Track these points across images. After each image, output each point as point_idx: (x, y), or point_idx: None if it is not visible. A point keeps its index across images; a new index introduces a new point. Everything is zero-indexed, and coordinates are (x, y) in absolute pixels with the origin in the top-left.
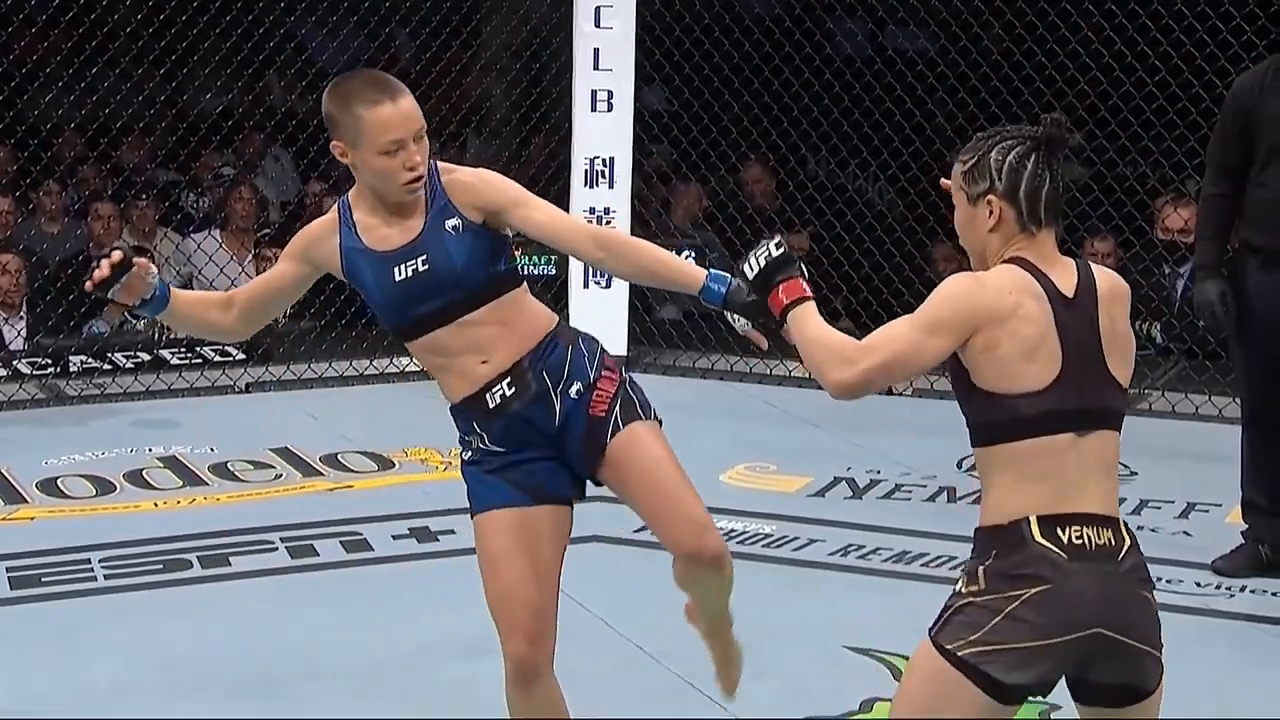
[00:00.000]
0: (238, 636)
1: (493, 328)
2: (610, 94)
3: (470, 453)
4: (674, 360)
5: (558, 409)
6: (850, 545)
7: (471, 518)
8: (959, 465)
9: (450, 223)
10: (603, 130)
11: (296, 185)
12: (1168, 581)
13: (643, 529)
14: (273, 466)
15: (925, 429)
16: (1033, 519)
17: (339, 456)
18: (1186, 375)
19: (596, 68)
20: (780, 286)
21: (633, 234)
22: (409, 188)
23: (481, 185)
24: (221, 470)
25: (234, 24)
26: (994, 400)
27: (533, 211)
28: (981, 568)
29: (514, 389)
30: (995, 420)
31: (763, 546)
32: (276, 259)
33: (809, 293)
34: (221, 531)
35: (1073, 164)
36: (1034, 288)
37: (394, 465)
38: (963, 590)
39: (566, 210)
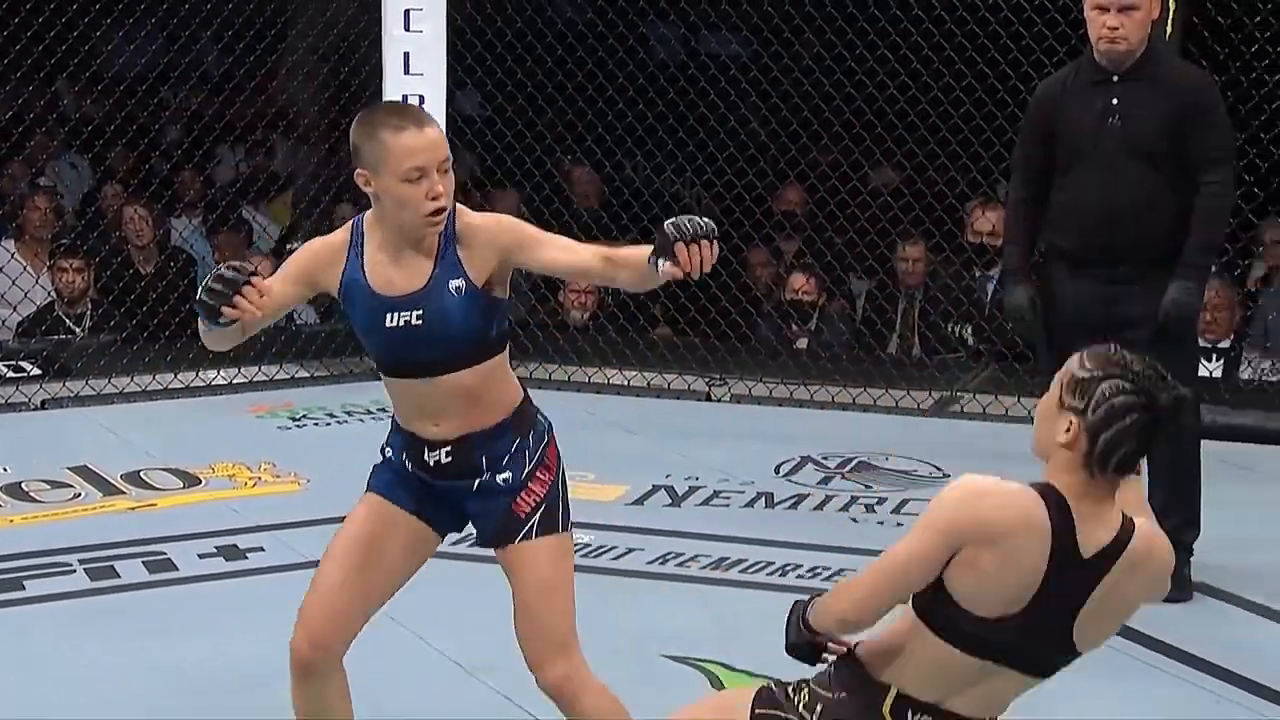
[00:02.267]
0: (30, 663)
1: (460, 398)
2: (421, 99)
3: (392, 453)
4: None
5: (479, 486)
6: (669, 553)
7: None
8: (776, 470)
9: (454, 283)
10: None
11: (89, 189)
12: None
13: (461, 541)
14: (70, 485)
15: (743, 435)
16: (894, 692)
17: (141, 474)
18: (997, 378)
19: (407, 72)
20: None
21: None
22: (430, 220)
23: (500, 230)
24: (15, 491)
25: (23, 27)
26: (945, 596)
27: (546, 250)
28: (825, 698)
29: (451, 459)
30: (936, 611)
31: (581, 556)
32: (73, 269)
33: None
34: (14, 555)
35: (884, 168)
36: (1041, 530)
37: (200, 482)
38: (797, 702)
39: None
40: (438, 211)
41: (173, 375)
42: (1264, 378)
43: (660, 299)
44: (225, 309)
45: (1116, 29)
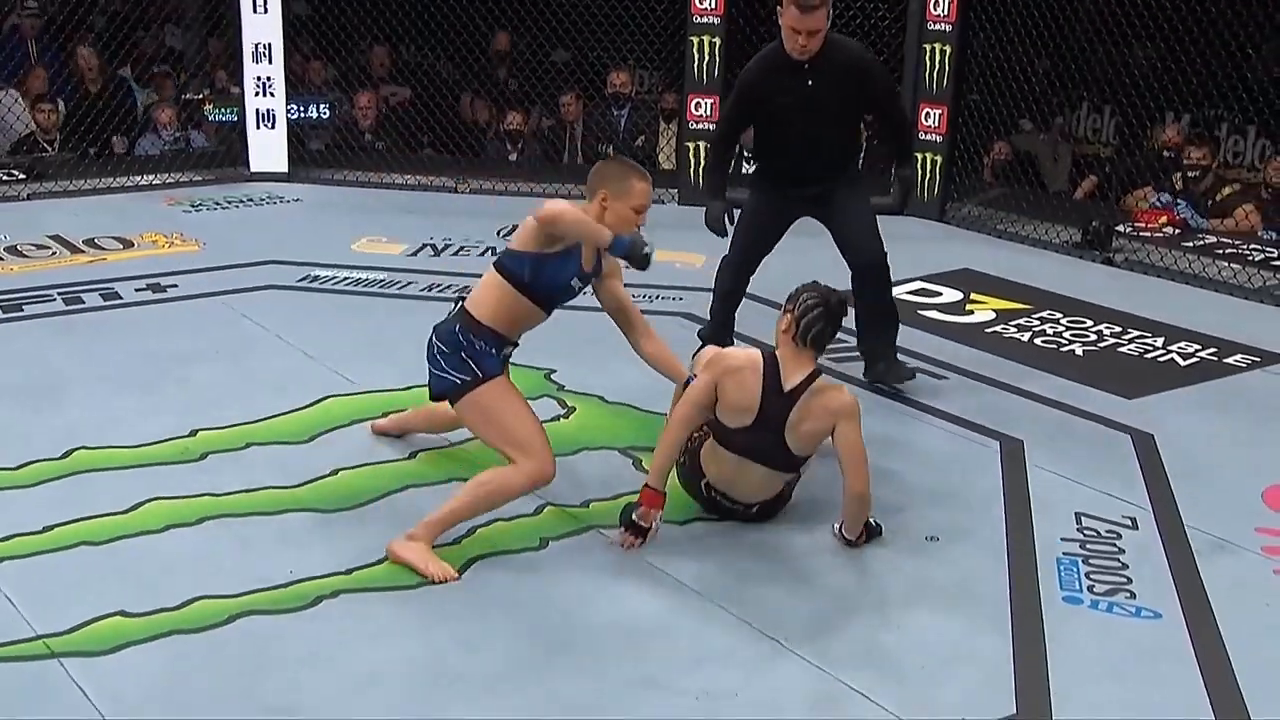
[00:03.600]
0: (24, 356)
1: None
2: (266, 2)
3: (484, 346)
4: (319, 175)
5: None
6: (433, 284)
7: (484, 380)
8: (498, 233)
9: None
10: (262, 24)
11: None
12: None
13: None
14: (49, 247)
15: (478, 214)
16: (705, 479)
17: (95, 240)
18: None
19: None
20: None
21: (289, 89)
22: (634, 234)
23: (616, 267)
24: (13, 250)
25: None
26: (715, 415)
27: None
28: (680, 461)
29: (510, 354)
30: (714, 424)
31: (379, 287)
32: (48, 110)
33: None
34: (13, 290)
35: (560, 49)
36: (759, 370)
37: (134, 245)
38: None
39: (241, 84)
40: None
41: (112, 179)
42: None
43: (425, 129)
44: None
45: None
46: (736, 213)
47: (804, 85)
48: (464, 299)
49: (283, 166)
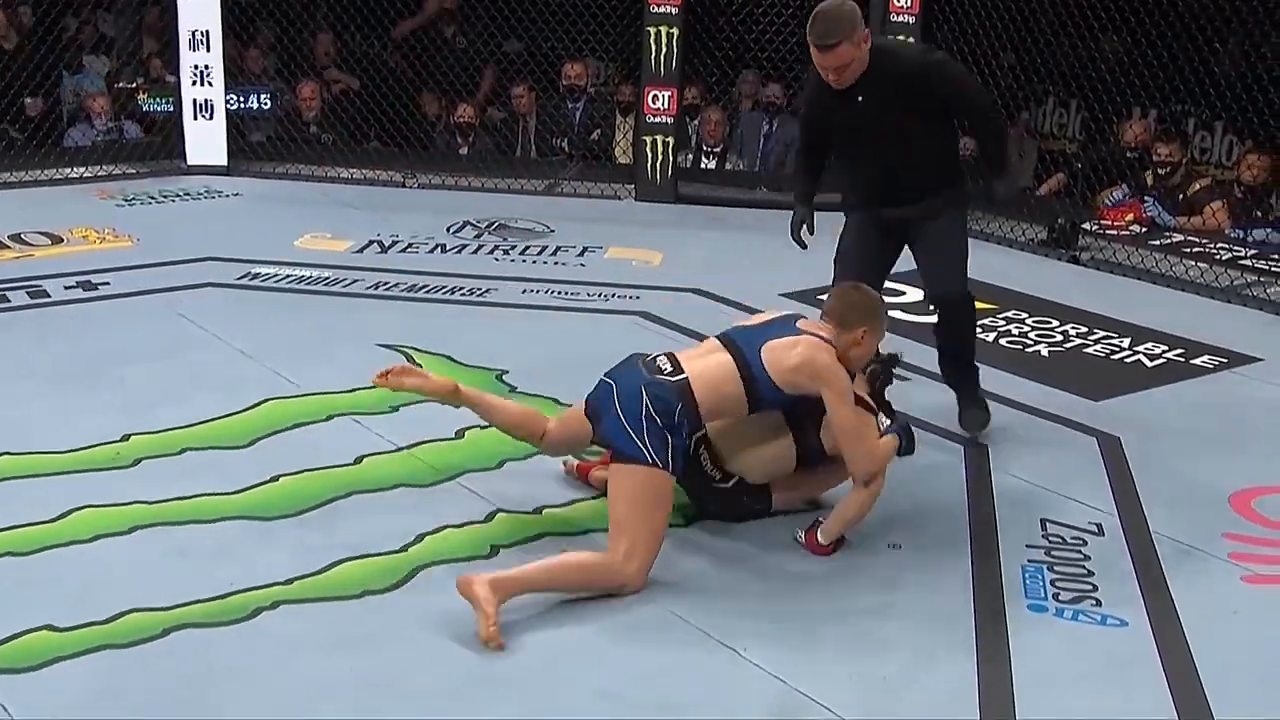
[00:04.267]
0: None
1: None
2: None
3: (685, 441)
4: (260, 168)
5: None
6: (380, 282)
7: (669, 475)
8: (448, 230)
9: None
10: (200, 9)
11: None
12: (572, 294)
13: None
14: None
15: (426, 209)
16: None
17: (23, 235)
18: (584, 172)
19: None
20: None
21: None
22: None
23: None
24: None
25: None
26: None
27: None
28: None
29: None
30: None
31: (323, 285)
32: None
33: None
34: None
35: (512, 39)
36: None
37: (64, 240)
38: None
39: (177, 73)
40: None
41: (40, 171)
42: (736, 167)
43: (370, 121)
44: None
45: None
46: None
47: (854, 102)
48: (674, 356)
49: (222, 159)
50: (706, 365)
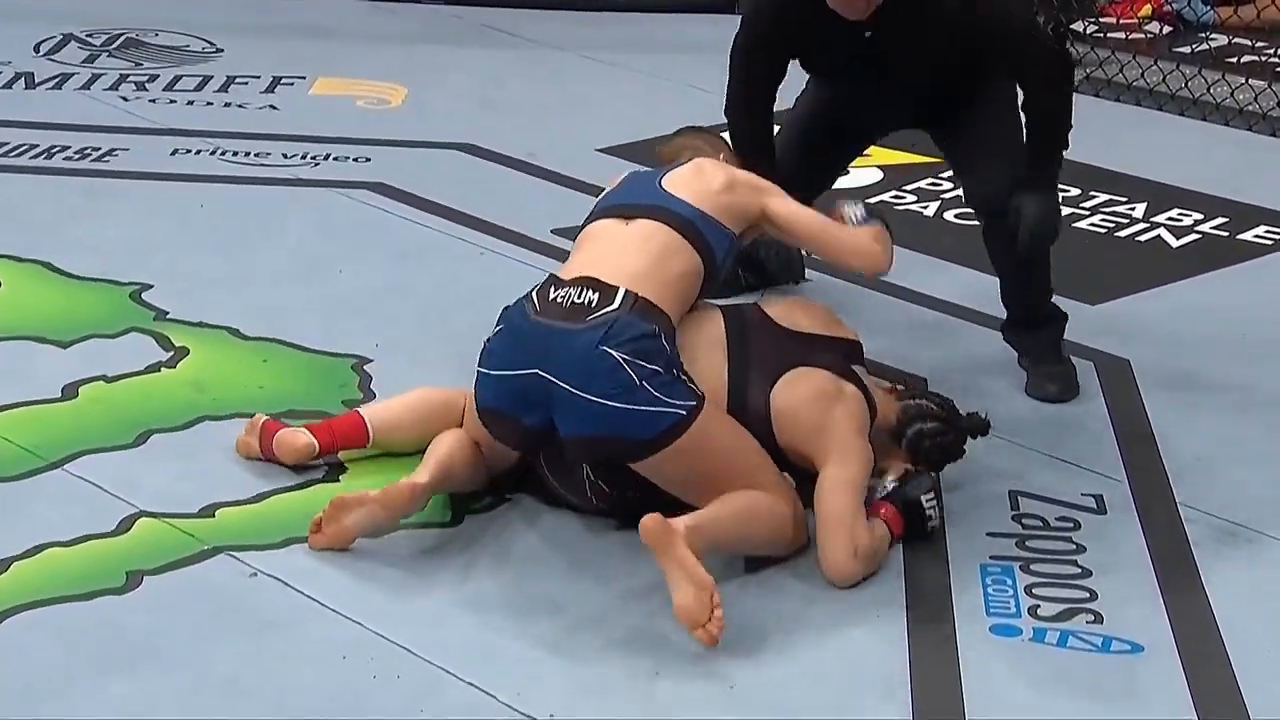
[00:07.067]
0: None
1: None
2: None
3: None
4: None
5: None
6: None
7: (702, 399)
8: (36, 49)
9: None
10: None
11: None
12: (256, 155)
13: None
14: None
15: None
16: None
17: None
18: None
19: None
20: None
21: None
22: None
23: None
24: None
25: None
26: None
27: None
28: None
29: None
30: None
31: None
32: None
33: None
34: None
35: None
36: None
37: None
38: None
39: None
40: None
41: None
42: None
43: None
44: None
45: None
46: None
47: (858, 40)
48: (582, 277)
49: None
50: (625, 251)
